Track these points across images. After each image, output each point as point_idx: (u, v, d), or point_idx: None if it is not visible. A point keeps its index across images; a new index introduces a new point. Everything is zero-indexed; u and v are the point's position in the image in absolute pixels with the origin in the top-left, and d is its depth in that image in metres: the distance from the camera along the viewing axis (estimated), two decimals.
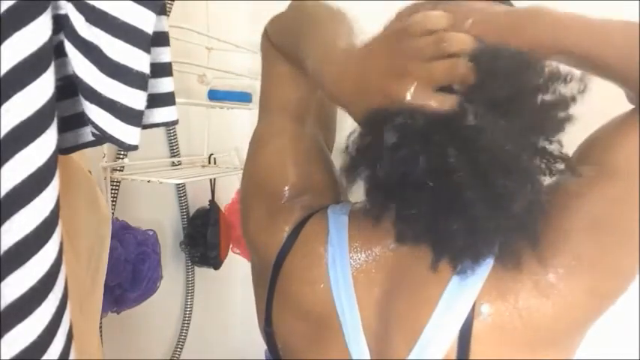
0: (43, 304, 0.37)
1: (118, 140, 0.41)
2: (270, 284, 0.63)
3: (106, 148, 0.96)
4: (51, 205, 0.37)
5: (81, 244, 0.56)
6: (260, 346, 0.68)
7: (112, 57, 0.39)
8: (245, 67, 1.30)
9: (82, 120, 0.42)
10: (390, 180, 0.49)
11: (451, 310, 0.52)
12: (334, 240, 0.60)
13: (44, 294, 0.37)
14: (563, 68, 0.49)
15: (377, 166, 0.49)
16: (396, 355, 0.54)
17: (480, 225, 0.48)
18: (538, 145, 0.48)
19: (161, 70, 0.45)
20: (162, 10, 0.43)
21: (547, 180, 0.50)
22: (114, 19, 0.39)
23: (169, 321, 1.25)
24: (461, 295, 0.52)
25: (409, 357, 0.53)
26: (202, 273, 1.29)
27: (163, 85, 0.46)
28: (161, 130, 1.15)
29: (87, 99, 0.41)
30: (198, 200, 1.27)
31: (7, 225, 0.35)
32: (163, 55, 0.46)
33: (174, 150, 1.18)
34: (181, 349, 1.25)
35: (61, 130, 0.40)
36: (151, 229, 1.05)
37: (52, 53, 0.37)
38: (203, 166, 1.26)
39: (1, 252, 0.35)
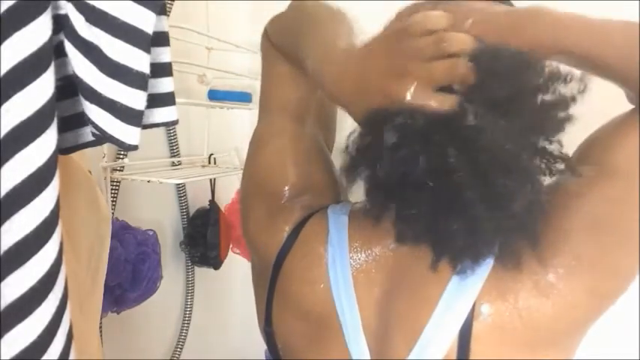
0: (43, 304, 0.37)
1: (118, 140, 0.41)
2: (270, 284, 0.63)
3: (106, 148, 0.96)
4: (51, 205, 0.37)
5: (81, 244, 0.56)
6: (260, 346, 0.68)
7: (112, 57, 0.39)
8: (245, 67, 1.30)
9: (82, 120, 0.42)
10: (389, 180, 0.49)
11: (451, 310, 0.52)
12: (334, 240, 0.60)
13: (44, 294, 0.37)
14: (563, 68, 0.49)
15: (377, 166, 0.49)
16: (396, 355, 0.54)
17: (479, 225, 0.48)
18: (538, 145, 0.48)
19: (161, 70, 0.45)
20: (162, 10, 0.43)
21: (547, 180, 0.50)
22: (114, 19, 0.39)
23: (169, 321, 1.25)
24: (461, 295, 0.52)
25: (409, 357, 0.53)
26: (202, 273, 1.29)
27: (163, 85, 0.46)
28: (161, 130, 1.15)
29: (87, 99, 0.41)
30: (198, 200, 1.27)
31: (7, 225, 0.35)
32: (163, 55, 0.46)
33: (174, 150, 1.18)
34: (181, 349, 1.25)
35: (61, 130, 0.40)
36: (151, 229, 1.05)
37: (52, 53, 0.37)
38: (203, 166, 1.26)
39: (1, 252, 0.35)
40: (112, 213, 1.00)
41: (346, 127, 0.56)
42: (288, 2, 0.68)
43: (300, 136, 0.68)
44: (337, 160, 0.65)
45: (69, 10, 0.39)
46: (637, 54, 0.49)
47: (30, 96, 0.36)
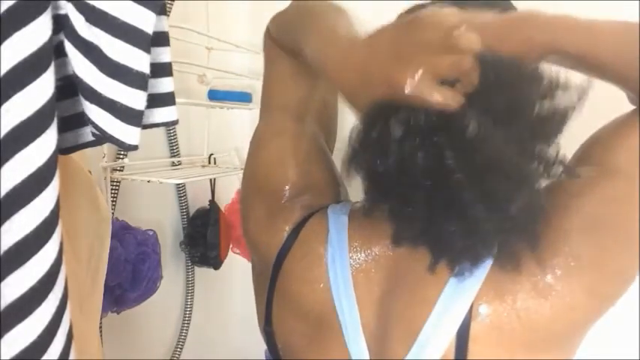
0: (43, 304, 0.37)
1: (118, 140, 0.41)
2: (270, 284, 0.63)
3: (106, 148, 0.96)
4: (51, 205, 0.37)
5: (81, 244, 0.56)
6: (260, 346, 0.68)
7: (112, 57, 0.39)
8: (245, 67, 1.30)
9: (82, 120, 0.42)
10: (388, 176, 0.49)
11: (449, 311, 0.52)
12: (334, 240, 0.60)
13: (44, 294, 0.37)
14: (563, 76, 0.49)
15: (377, 160, 0.49)
16: (395, 354, 0.54)
17: (478, 227, 0.48)
18: (536, 149, 0.48)
19: (161, 70, 0.45)
20: (162, 10, 0.43)
21: (545, 182, 0.50)
22: (114, 19, 0.39)
23: (169, 321, 1.25)
24: (459, 296, 0.52)
25: (407, 357, 0.53)
26: (202, 273, 1.29)
27: (163, 85, 0.46)
28: (161, 130, 1.14)
29: (87, 99, 0.41)
30: (198, 200, 1.27)
31: (7, 225, 0.35)
32: (163, 55, 0.45)
33: (174, 150, 1.18)
34: (181, 349, 1.25)
35: (61, 130, 0.40)
36: (151, 229, 1.05)
37: (52, 53, 0.37)
38: (203, 166, 1.26)
39: (1, 252, 0.35)
40: (112, 213, 1.00)
41: (346, 126, 0.56)
42: (289, 2, 0.68)
43: (301, 136, 0.68)
44: (338, 160, 0.65)
45: (69, 10, 0.39)
46: (634, 54, 0.49)
47: (30, 96, 0.36)
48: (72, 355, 0.40)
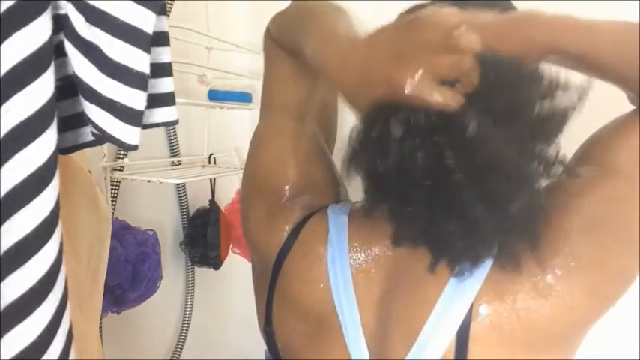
0: (43, 304, 0.37)
1: (118, 140, 0.41)
2: (270, 284, 0.63)
3: (106, 148, 0.96)
4: (51, 205, 0.37)
5: (81, 244, 0.56)
6: (260, 346, 0.68)
7: (112, 57, 0.39)
8: (245, 67, 1.30)
9: (82, 120, 0.42)
10: (388, 176, 0.49)
11: (449, 311, 0.52)
12: (334, 240, 0.60)
13: (44, 294, 0.37)
14: (563, 77, 0.49)
15: (377, 161, 0.49)
16: (395, 354, 0.54)
17: (478, 227, 0.48)
18: (535, 149, 0.48)
19: (161, 70, 0.45)
20: (162, 10, 0.43)
21: (545, 182, 0.50)
22: (114, 19, 0.39)
23: (169, 321, 1.25)
24: (459, 296, 0.52)
25: (407, 357, 0.53)
26: (202, 273, 1.29)
27: (163, 85, 0.46)
28: (161, 130, 1.14)
29: (87, 99, 0.41)
30: (198, 200, 1.27)
31: (7, 225, 0.35)
32: (163, 55, 0.45)
33: (174, 150, 1.18)
34: (181, 349, 1.25)
35: (61, 130, 0.40)
36: (151, 229, 1.05)
37: (52, 53, 0.37)
38: (203, 166, 1.26)
39: (1, 252, 0.35)
40: (112, 213, 1.00)
41: (346, 126, 0.56)
42: (288, 2, 0.68)
43: (301, 136, 0.68)
44: (338, 160, 0.65)
45: (69, 10, 0.39)
46: (633, 53, 0.49)
47: (30, 96, 0.36)
48: (72, 355, 0.40)
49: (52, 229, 0.37)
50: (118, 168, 1.01)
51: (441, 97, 0.46)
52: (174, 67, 0.48)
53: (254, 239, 0.68)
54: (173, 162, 1.18)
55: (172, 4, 1.07)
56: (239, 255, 1.30)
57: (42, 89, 0.36)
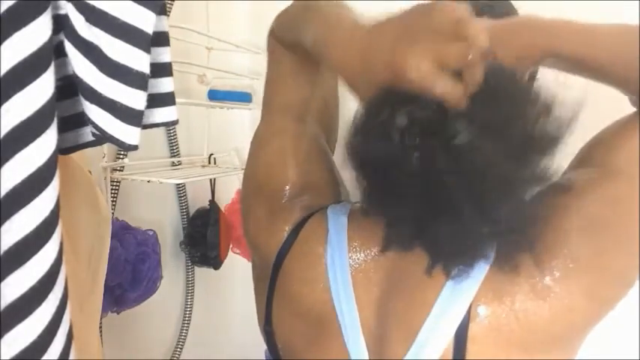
0: (43, 304, 0.37)
1: (118, 140, 0.41)
2: (270, 284, 0.63)
3: (106, 148, 0.96)
4: (51, 205, 0.37)
5: (81, 244, 0.56)
6: (260, 346, 0.68)
7: (112, 57, 0.39)
8: (245, 67, 1.30)
9: (82, 120, 0.42)
10: (379, 171, 0.49)
11: (447, 312, 0.52)
12: (333, 240, 0.60)
13: (44, 294, 0.37)
14: (558, 97, 0.49)
15: (368, 149, 0.49)
16: (394, 354, 0.54)
17: (464, 231, 0.48)
18: (527, 162, 0.48)
19: (161, 70, 0.45)
20: (162, 10, 0.43)
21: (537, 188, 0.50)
22: (114, 19, 0.39)
23: (169, 321, 1.25)
24: (457, 297, 0.52)
25: (406, 357, 0.53)
26: (202, 273, 1.29)
27: (163, 85, 0.46)
28: (161, 130, 1.14)
29: (87, 99, 0.41)
30: (198, 200, 1.27)
31: (7, 225, 0.35)
32: (163, 55, 0.46)
33: (174, 150, 1.18)
34: (181, 349, 1.25)
35: (61, 130, 0.40)
36: (151, 229, 1.05)
37: (52, 53, 0.37)
38: (203, 166, 1.26)
39: (1, 252, 0.35)
40: (112, 213, 1.00)
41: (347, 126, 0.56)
42: (289, 2, 0.68)
43: (301, 136, 0.68)
44: (338, 160, 0.66)
45: (69, 10, 0.39)
46: (632, 56, 0.49)
47: (30, 96, 0.36)
48: (72, 355, 0.40)
49: (52, 229, 0.37)
50: (118, 168, 1.01)
51: (444, 85, 0.45)
52: (175, 67, 0.48)
53: (254, 239, 0.68)
54: (173, 162, 1.18)
55: (172, 4, 1.07)
56: (239, 255, 1.30)
57: (42, 89, 0.36)
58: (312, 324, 0.59)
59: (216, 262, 1.23)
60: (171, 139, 1.17)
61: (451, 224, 0.48)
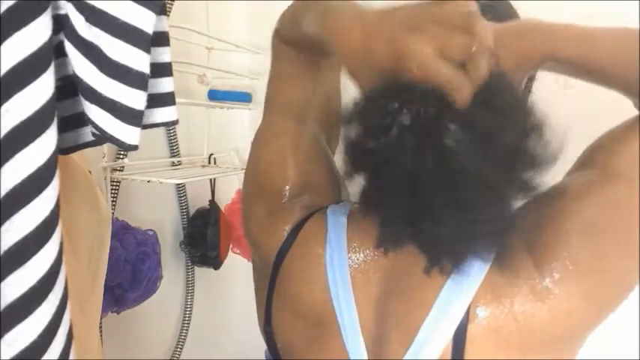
0: (43, 304, 0.37)
1: (118, 140, 0.41)
2: (270, 284, 0.63)
3: (106, 148, 0.96)
4: (51, 205, 0.37)
5: (81, 244, 0.56)
6: (260, 346, 0.68)
7: (112, 57, 0.39)
8: (245, 67, 1.30)
9: (82, 120, 0.42)
10: (367, 161, 0.49)
11: (446, 312, 0.52)
12: (333, 240, 0.60)
13: (44, 294, 0.37)
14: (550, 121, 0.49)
15: (362, 140, 0.49)
16: (393, 355, 0.54)
17: (455, 231, 0.48)
18: (514, 173, 0.48)
19: (161, 70, 0.45)
20: (162, 10, 0.43)
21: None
22: (114, 19, 0.39)
23: (169, 321, 1.25)
24: (456, 297, 0.52)
25: (405, 357, 0.53)
26: (202, 273, 1.29)
27: (163, 85, 0.46)
28: (161, 130, 1.15)
29: (87, 99, 0.41)
30: (199, 200, 1.27)
31: (7, 225, 0.35)
32: (163, 55, 0.46)
33: (174, 150, 1.18)
34: (181, 349, 1.25)
35: (61, 130, 0.40)
36: (151, 229, 1.05)
37: (52, 53, 0.37)
38: (203, 166, 1.26)
39: (1, 252, 0.35)
40: (112, 213, 1.00)
41: None
42: (289, 3, 0.68)
43: (302, 136, 0.68)
44: (338, 160, 0.65)
45: (69, 10, 0.39)
46: (633, 58, 0.49)
47: (30, 96, 0.36)
48: (72, 355, 0.40)
49: (52, 229, 0.37)
50: (118, 168, 1.01)
51: (445, 72, 0.44)
52: (175, 67, 0.48)
53: (254, 239, 0.68)
54: (173, 162, 1.18)
55: (172, 4, 1.07)
56: (239, 255, 1.30)
57: (42, 89, 0.36)
58: (312, 324, 0.59)
59: (216, 262, 1.23)
60: (171, 139, 1.17)
61: (440, 225, 0.48)
